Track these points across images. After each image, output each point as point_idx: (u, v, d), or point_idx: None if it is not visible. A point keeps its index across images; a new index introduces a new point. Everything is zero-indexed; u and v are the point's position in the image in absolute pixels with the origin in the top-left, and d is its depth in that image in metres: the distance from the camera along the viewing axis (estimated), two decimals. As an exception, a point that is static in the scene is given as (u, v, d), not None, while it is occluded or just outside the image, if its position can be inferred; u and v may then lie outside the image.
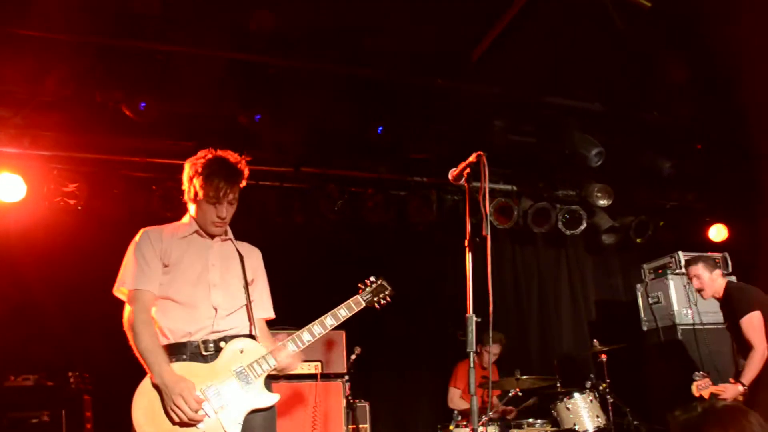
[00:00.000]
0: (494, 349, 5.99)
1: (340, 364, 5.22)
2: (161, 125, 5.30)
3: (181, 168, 5.93)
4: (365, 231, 6.51)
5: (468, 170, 2.83)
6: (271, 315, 3.22)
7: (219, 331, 2.88)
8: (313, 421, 5.01)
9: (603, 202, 6.90)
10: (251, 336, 2.97)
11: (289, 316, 4.46)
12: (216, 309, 2.88)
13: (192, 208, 3.02)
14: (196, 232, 3.03)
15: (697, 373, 4.75)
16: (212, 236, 3.05)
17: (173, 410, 2.65)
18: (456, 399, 6.13)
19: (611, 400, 5.63)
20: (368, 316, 6.33)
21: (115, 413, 5.25)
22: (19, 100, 5.19)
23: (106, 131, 5.51)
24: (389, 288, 3.41)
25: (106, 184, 5.64)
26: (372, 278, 3.40)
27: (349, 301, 3.24)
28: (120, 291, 2.94)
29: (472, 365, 2.66)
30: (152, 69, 4.95)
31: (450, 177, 2.95)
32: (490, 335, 2.80)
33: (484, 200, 2.68)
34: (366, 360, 5.26)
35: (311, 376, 5.10)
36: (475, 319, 2.66)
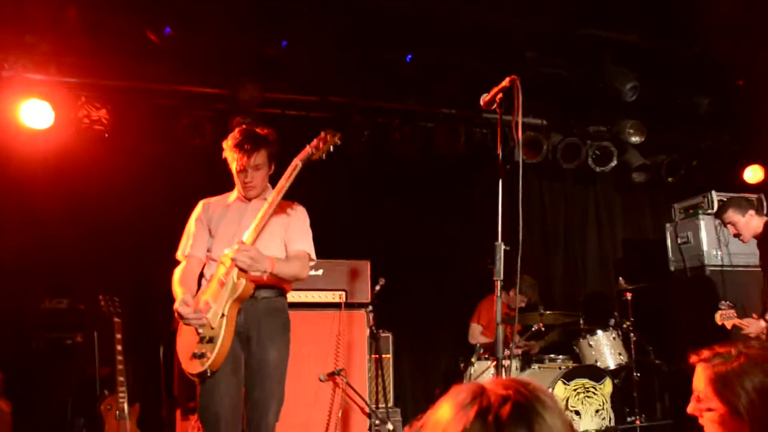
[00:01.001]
0: (524, 297, 5.95)
1: (364, 294, 5.26)
2: (187, 52, 5.22)
3: (206, 95, 5.95)
4: (392, 162, 6.45)
5: (500, 95, 2.75)
6: (301, 248, 3.56)
7: None
8: (336, 349, 5.10)
9: (635, 139, 6.72)
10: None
11: (317, 247, 4.46)
12: None
13: (234, 175, 3.55)
14: (237, 198, 3.60)
15: (723, 302, 4.71)
16: (250, 199, 3.57)
17: (177, 314, 3.23)
18: (477, 335, 6.18)
19: (634, 338, 5.64)
20: (394, 248, 6.37)
21: (142, 335, 5.44)
22: (44, 26, 5.13)
23: (133, 58, 5.45)
24: (334, 133, 3.37)
25: (133, 111, 5.60)
26: (320, 134, 3.38)
27: (287, 169, 3.34)
28: (179, 256, 3.58)
29: (498, 294, 2.64)
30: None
31: (482, 102, 2.87)
32: (518, 268, 2.73)
33: (517, 126, 2.61)
34: (390, 291, 5.29)
35: (335, 305, 5.16)
36: (503, 247, 2.62)
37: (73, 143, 5.52)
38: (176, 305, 3.21)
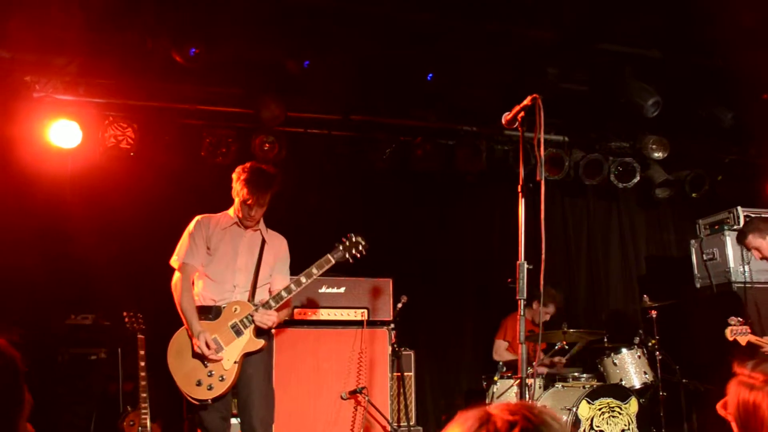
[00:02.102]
0: (549, 309, 5.92)
1: (386, 312, 5.26)
2: (211, 72, 5.30)
3: (230, 114, 6.02)
4: (413, 179, 6.47)
5: (522, 114, 2.75)
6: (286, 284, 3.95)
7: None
8: (358, 367, 5.09)
9: (658, 155, 6.66)
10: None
11: (340, 266, 4.45)
12: (235, 286, 3.89)
13: (236, 202, 3.92)
14: (235, 223, 3.97)
15: (732, 318, 4.64)
16: (246, 227, 3.97)
17: (197, 348, 3.67)
18: (502, 351, 6.12)
19: (660, 356, 5.55)
20: (416, 266, 6.37)
21: (165, 352, 5.47)
22: (73, 48, 5.26)
23: (158, 78, 5.55)
24: (363, 243, 4.01)
25: (158, 131, 5.71)
26: (350, 235, 4.01)
27: (320, 260, 3.90)
28: (174, 261, 3.93)
29: (522, 313, 2.63)
30: (201, 14, 4.92)
31: (503, 121, 2.87)
32: (541, 285, 2.72)
33: (539, 144, 2.61)
34: (412, 309, 5.28)
35: (357, 323, 5.16)
36: (526, 266, 2.61)
37: (100, 162, 5.63)
38: (199, 342, 3.65)
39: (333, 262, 3.90)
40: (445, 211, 6.73)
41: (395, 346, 5.16)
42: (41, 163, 5.46)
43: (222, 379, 3.71)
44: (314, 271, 3.86)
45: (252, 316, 3.76)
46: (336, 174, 6.20)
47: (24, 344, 4.79)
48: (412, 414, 5.43)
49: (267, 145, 5.78)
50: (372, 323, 5.21)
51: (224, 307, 3.82)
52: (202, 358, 3.70)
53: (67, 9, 4.74)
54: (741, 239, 4.93)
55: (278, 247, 4.11)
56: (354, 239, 3.99)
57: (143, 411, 4.74)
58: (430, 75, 5.46)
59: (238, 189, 3.87)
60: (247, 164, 3.94)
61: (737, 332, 4.51)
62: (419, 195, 6.59)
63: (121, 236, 5.66)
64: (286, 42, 5.21)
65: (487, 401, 5.34)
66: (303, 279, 3.85)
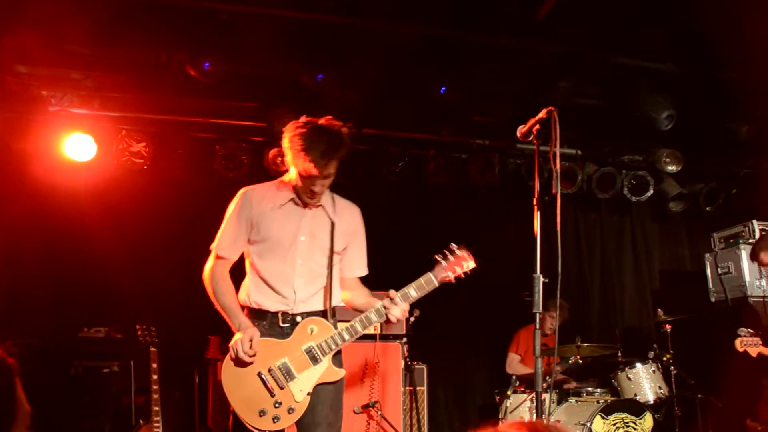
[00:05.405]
0: (553, 314, 5.88)
1: (399, 326, 5.23)
2: (224, 86, 5.34)
3: (243, 128, 6.02)
4: (426, 193, 6.46)
5: (537, 127, 2.75)
6: (364, 272, 3.35)
7: (297, 314, 3.12)
8: (371, 381, 5.07)
9: (672, 168, 6.63)
10: (324, 314, 3.17)
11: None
12: (296, 293, 3.09)
13: (293, 171, 3.05)
14: (291, 200, 3.10)
15: (742, 329, 4.60)
16: (306, 205, 3.12)
17: (239, 346, 2.95)
18: (515, 364, 6.09)
19: (675, 371, 5.49)
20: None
21: (178, 365, 5.47)
22: (89, 63, 5.33)
23: (172, 92, 5.61)
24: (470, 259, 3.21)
25: (171, 144, 5.76)
26: (452, 247, 3.22)
27: (420, 279, 3.16)
28: (212, 246, 3.19)
29: (537, 326, 2.61)
30: (216, 29, 4.96)
31: (518, 134, 2.87)
32: (558, 295, 2.71)
33: (554, 157, 2.60)
34: (425, 323, 5.26)
35: (370, 336, 5.14)
36: (541, 279, 2.60)
37: (114, 175, 5.69)
38: (243, 337, 2.92)
39: (436, 284, 3.18)
40: (457, 224, 6.71)
41: (408, 360, 5.14)
42: (56, 176, 5.51)
43: (291, 411, 3.03)
44: (413, 293, 3.17)
45: (335, 339, 3.07)
46: (349, 187, 6.18)
47: (24, 355, 4.84)
48: (425, 429, 5.39)
49: (280, 158, 5.81)
50: (385, 337, 5.19)
51: (298, 323, 3.08)
52: (267, 383, 3.02)
53: (83, 24, 4.80)
54: (754, 257, 4.92)
55: (349, 224, 3.22)
56: (458, 254, 3.23)
57: (155, 424, 4.73)
58: (443, 89, 5.46)
59: (293, 156, 2.94)
60: (303, 122, 2.96)
61: (747, 343, 4.48)
62: (432, 208, 6.58)
63: (134, 249, 5.69)
64: (300, 56, 5.24)
65: (500, 416, 5.30)
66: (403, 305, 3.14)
